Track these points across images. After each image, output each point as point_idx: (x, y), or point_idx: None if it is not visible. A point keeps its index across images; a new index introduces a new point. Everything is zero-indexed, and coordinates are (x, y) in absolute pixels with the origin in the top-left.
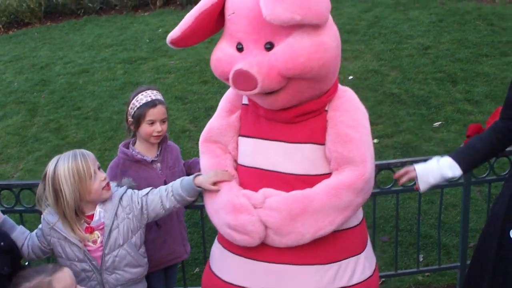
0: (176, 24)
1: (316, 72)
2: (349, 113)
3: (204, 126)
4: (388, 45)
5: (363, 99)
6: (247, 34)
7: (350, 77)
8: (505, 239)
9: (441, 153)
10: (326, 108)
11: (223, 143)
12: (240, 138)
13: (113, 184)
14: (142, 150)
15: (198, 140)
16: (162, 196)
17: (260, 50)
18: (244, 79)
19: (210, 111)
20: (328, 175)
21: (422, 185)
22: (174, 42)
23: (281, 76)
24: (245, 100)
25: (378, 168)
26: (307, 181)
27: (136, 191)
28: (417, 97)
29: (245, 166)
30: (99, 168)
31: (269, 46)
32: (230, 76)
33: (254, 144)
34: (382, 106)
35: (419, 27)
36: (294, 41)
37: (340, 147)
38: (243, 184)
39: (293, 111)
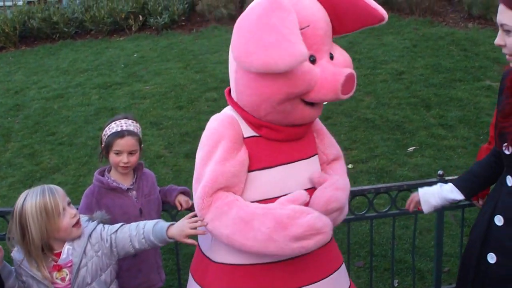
0: (151, 49)
1: None
2: (318, 120)
3: (179, 152)
4: (362, 71)
5: (338, 124)
6: (321, 45)
7: (325, 102)
8: (483, 262)
9: (416, 178)
10: None
11: (233, 187)
12: (254, 173)
13: (83, 219)
14: (118, 177)
15: (173, 165)
16: (132, 236)
17: (327, 60)
18: (352, 83)
19: (185, 136)
20: None
21: (425, 207)
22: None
23: None
24: (248, 133)
25: (352, 194)
26: (313, 191)
27: (106, 226)
28: (391, 122)
29: (270, 198)
30: (69, 204)
31: (331, 56)
32: (341, 81)
33: (282, 171)
34: (356, 131)
35: (393, 52)
36: (339, 49)
37: (334, 150)
38: None
39: (305, 125)
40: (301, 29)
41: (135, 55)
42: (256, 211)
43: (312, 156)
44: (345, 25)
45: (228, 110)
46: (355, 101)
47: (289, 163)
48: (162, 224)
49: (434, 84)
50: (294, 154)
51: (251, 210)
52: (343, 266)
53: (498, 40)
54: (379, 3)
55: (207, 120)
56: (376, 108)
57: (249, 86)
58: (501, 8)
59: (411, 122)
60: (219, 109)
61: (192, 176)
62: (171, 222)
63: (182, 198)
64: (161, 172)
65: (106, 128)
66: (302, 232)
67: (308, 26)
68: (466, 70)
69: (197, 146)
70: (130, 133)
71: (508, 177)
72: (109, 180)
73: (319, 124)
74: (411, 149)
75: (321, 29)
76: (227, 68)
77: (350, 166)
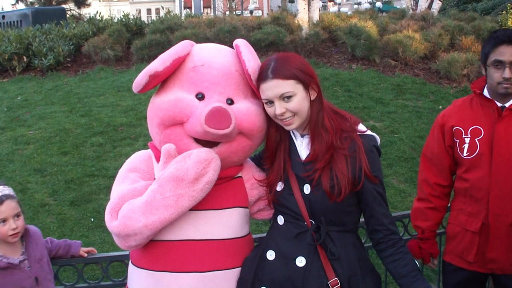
0: (36, 92)
1: (263, 135)
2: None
3: (64, 199)
4: None
5: None
6: (214, 85)
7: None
8: None
9: None
10: (239, 175)
11: None
12: None
13: None
14: (6, 251)
15: (58, 214)
16: None
17: (222, 102)
18: (220, 117)
19: (70, 183)
20: (249, 234)
21: None
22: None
23: (238, 128)
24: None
25: None
26: (235, 243)
27: None
28: None
29: (171, 240)
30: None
31: (230, 102)
32: (206, 112)
33: (183, 217)
34: None
35: None
36: (251, 103)
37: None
38: (171, 260)
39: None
40: (194, 67)
41: (18, 98)
42: (151, 188)
43: (228, 208)
44: None
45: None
46: None
47: (192, 210)
48: None
49: None
50: (201, 203)
51: (147, 192)
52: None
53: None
54: (265, 44)
55: (93, 166)
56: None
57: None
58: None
59: None
60: (105, 155)
61: (77, 225)
62: None
63: (84, 249)
64: (46, 221)
65: None
66: (197, 172)
67: (203, 65)
68: (351, 111)
69: (83, 193)
70: (8, 197)
71: (280, 216)
72: None
73: (252, 174)
74: None
75: (216, 70)
76: (112, 111)
77: None
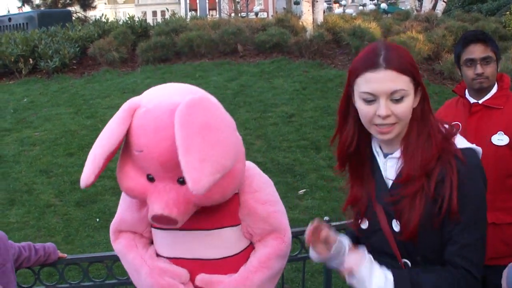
0: (42, 94)
1: (231, 194)
2: (259, 192)
3: (70, 200)
4: (253, 114)
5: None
6: (159, 172)
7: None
8: None
9: (307, 221)
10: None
11: (137, 232)
12: (154, 230)
13: None
14: None
15: (63, 214)
16: None
17: (173, 184)
18: (164, 221)
19: (75, 184)
20: (245, 249)
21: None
22: (89, 186)
23: (196, 205)
24: None
25: None
26: (227, 262)
27: None
28: (282, 165)
29: (164, 256)
30: None
31: (182, 181)
32: (149, 216)
33: (171, 236)
34: None
35: (284, 95)
36: None
37: (261, 224)
38: None
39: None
40: (136, 151)
41: (25, 100)
42: (145, 265)
43: (219, 228)
44: None
45: None
46: (246, 145)
47: (181, 230)
48: None
49: (323, 126)
50: (191, 223)
51: (141, 263)
52: None
53: None
54: (269, 46)
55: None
56: (266, 152)
57: None
58: None
59: (302, 165)
60: None
61: (83, 225)
62: None
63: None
64: (52, 221)
65: None
66: None
67: (142, 151)
68: None
69: (88, 194)
70: None
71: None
72: None
73: (249, 194)
74: (301, 191)
75: (155, 160)
76: None
77: None
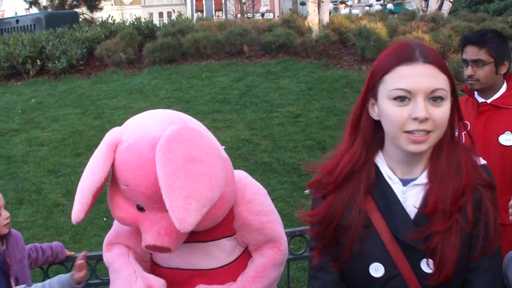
0: (49, 95)
1: (222, 217)
2: (252, 203)
3: None
4: (259, 114)
5: (235, 168)
6: (147, 203)
7: (222, 147)
8: None
9: None
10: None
11: (130, 245)
12: None
13: None
14: None
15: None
16: None
17: (163, 213)
18: (158, 250)
19: None
20: (241, 255)
21: None
22: (80, 222)
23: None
24: None
25: None
26: (225, 270)
27: None
28: (288, 165)
29: (162, 266)
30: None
31: None
32: (143, 246)
33: None
34: (254, 175)
35: (290, 96)
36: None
37: (256, 235)
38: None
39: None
40: (122, 186)
41: (32, 101)
42: (131, 275)
43: (216, 240)
44: None
45: None
46: (252, 145)
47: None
48: (65, 276)
49: (329, 126)
50: (188, 234)
51: (128, 271)
52: None
53: None
54: (275, 47)
55: None
56: (273, 152)
57: None
58: None
59: (307, 165)
60: None
61: (90, 224)
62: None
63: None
64: (60, 221)
65: None
66: None
67: (128, 185)
68: None
69: None
70: None
71: None
72: None
73: (242, 206)
74: (307, 191)
75: (142, 195)
76: (125, 113)
77: None
